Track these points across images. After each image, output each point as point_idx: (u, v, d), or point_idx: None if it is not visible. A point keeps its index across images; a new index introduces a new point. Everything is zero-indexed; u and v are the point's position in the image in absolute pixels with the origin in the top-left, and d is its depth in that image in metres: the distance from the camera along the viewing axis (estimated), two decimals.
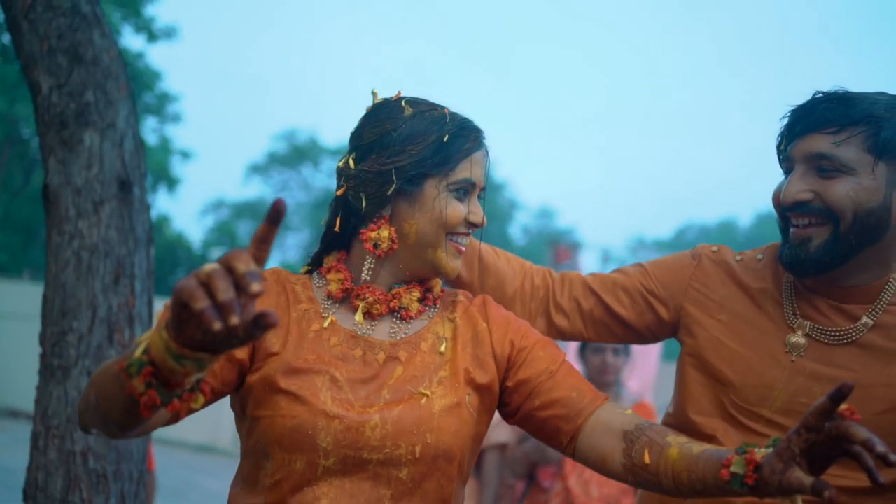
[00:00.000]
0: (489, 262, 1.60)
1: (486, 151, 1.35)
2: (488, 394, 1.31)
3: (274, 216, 0.87)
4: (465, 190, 1.31)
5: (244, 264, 0.83)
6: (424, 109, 1.32)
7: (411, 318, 1.32)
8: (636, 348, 3.38)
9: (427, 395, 1.25)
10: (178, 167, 15.10)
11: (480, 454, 3.26)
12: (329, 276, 1.33)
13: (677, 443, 1.19)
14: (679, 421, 1.51)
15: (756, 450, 1.07)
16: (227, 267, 0.84)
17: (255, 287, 0.82)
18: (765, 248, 1.56)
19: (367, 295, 1.31)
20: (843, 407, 0.99)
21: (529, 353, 1.32)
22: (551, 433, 1.30)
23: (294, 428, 1.19)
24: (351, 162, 1.32)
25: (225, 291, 0.82)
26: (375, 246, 1.29)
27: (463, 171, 1.30)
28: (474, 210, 1.32)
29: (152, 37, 12.10)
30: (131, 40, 12.64)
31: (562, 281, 1.62)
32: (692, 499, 1.38)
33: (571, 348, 4.60)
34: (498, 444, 3.24)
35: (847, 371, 1.38)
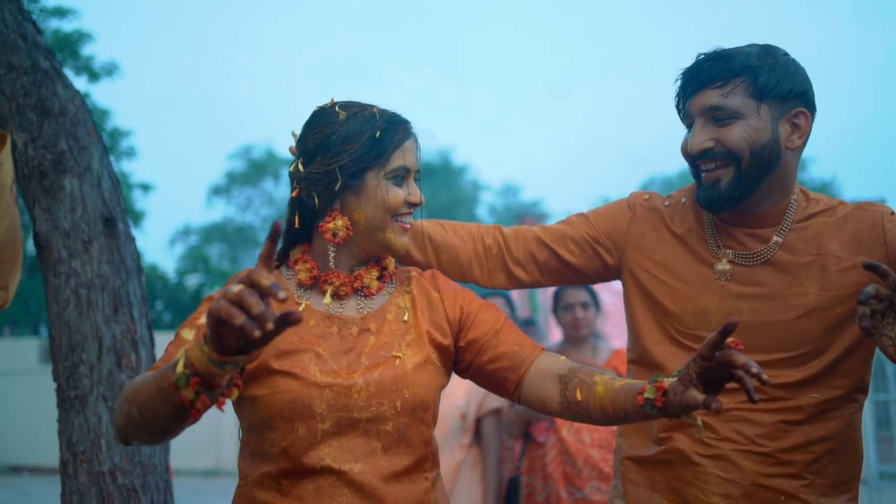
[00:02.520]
0: (438, 240, 1.78)
1: (415, 138, 1.52)
2: (447, 353, 1.51)
3: (274, 235, 1.05)
4: (401, 176, 1.48)
5: (266, 279, 1.01)
6: (356, 111, 1.48)
7: (373, 294, 1.51)
8: (618, 304, 3.60)
9: (400, 357, 1.44)
10: (140, 201, 15.08)
11: (478, 422, 3.41)
12: (297, 267, 1.51)
13: (602, 380, 1.38)
14: (636, 353, 1.73)
15: (665, 379, 1.27)
16: (251, 283, 1.01)
17: (282, 294, 0.99)
18: (687, 189, 1.77)
19: (333, 279, 1.49)
20: (729, 339, 1.19)
21: (476, 316, 1.52)
22: (499, 383, 1.50)
23: (292, 400, 1.37)
24: (300, 166, 1.48)
25: (258, 305, 0.99)
26: (334, 235, 1.47)
27: (397, 160, 1.47)
28: (412, 192, 1.50)
29: (94, 76, 12.07)
30: (74, 82, 12.59)
31: (515, 237, 1.80)
32: (617, 425, 1.63)
33: (549, 314, 4.80)
34: (493, 410, 3.40)
35: (765, 287, 1.60)
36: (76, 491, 2.20)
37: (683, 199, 1.75)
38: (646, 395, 1.28)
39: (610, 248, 1.77)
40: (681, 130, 1.68)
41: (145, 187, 14.77)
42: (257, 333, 1.01)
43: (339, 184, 1.46)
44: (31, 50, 2.32)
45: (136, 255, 2.42)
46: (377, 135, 1.47)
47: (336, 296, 1.49)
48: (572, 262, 1.77)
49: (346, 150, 1.45)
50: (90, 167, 2.34)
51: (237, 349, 1.06)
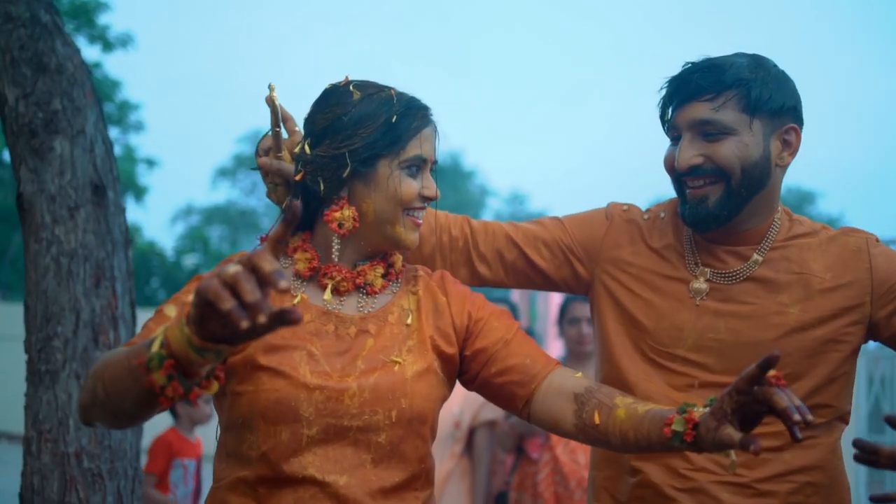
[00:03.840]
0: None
1: (435, 127, 1.41)
2: (451, 362, 1.40)
3: (291, 218, 0.93)
4: (416, 166, 1.37)
5: (269, 263, 0.89)
6: (372, 92, 1.37)
7: (376, 292, 1.39)
8: None
9: (399, 363, 1.33)
10: (144, 176, 14.96)
11: (471, 433, 3.33)
12: (296, 256, 1.40)
13: (624, 404, 1.28)
14: (606, 371, 1.63)
15: (695, 409, 1.18)
16: (251, 267, 0.89)
17: (283, 284, 0.87)
18: (666, 204, 1.69)
19: (334, 274, 1.37)
20: (771, 374, 1.10)
21: (486, 324, 1.41)
22: (507, 398, 1.39)
23: (277, 400, 1.26)
24: (306, 148, 1.37)
25: (252, 293, 0.88)
26: (340, 226, 1.35)
27: (413, 149, 1.36)
28: (427, 185, 1.39)
29: (108, 46, 11.97)
30: (87, 51, 12.47)
31: (483, 231, 1.70)
32: (637, 454, 1.53)
33: (556, 353, 4.68)
34: (487, 422, 3.31)
35: (745, 304, 1.53)
36: (38, 471, 2.07)
37: (662, 214, 1.67)
38: (674, 426, 1.19)
39: (583, 258, 1.68)
40: None
41: (150, 162, 14.67)
42: (245, 325, 0.88)
43: (347, 170, 1.34)
44: (31, 1, 2.20)
45: (125, 227, 2.29)
46: (393, 119, 1.35)
47: (336, 291, 1.38)
48: (541, 267, 1.68)
49: (359, 133, 1.35)
50: (83, 130, 2.22)
51: (221, 337, 0.94)
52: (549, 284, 1.72)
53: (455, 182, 29.49)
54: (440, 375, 1.38)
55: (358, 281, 1.38)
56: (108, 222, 2.22)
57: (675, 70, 1.55)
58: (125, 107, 13.53)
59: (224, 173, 29.86)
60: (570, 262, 1.68)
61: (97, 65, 12.44)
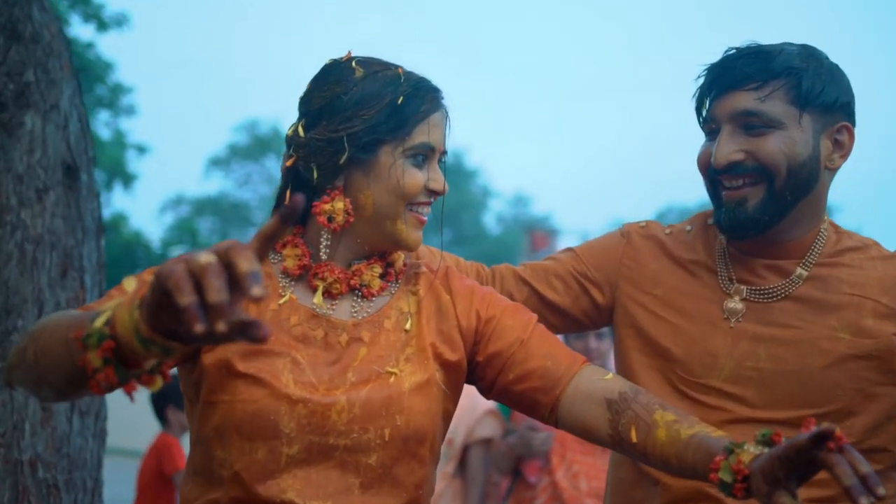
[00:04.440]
0: None
1: (446, 112, 1.28)
2: (456, 371, 1.25)
3: (289, 212, 0.78)
4: (423, 156, 1.24)
5: (247, 262, 0.75)
6: (377, 70, 1.24)
7: (373, 295, 1.25)
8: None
9: (395, 374, 1.19)
10: (133, 162, 14.71)
11: (465, 450, 3.17)
12: (285, 252, 1.25)
13: (665, 422, 1.15)
14: None
15: (743, 450, 1.04)
16: (226, 262, 0.75)
17: (257, 291, 0.73)
18: (691, 219, 1.55)
19: (325, 274, 1.23)
20: (831, 442, 0.97)
21: (498, 323, 1.26)
22: (530, 406, 1.25)
23: (255, 413, 1.13)
24: (300, 130, 1.24)
25: (218, 292, 0.74)
26: (330, 219, 1.21)
27: (420, 135, 1.22)
28: (434, 177, 1.25)
29: (102, 25, 11.74)
30: (80, 29, 12.22)
31: (492, 276, 1.55)
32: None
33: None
34: (483, 439, 3.15)
35: (788, 328, 1.37)
36: None
37: (689, 228, 1.51)
38: (721, 475, 1.05)
39: (600, 282, 1.51)
40: (693, 163, 1.44)
41: (141, 149, 14.42)
42: (200, 328, 0.73)
43: (344, 156, 1.20)
44: None
45: (98, 214, 2.12)
46: (399, 101, 1.21)
47: (328, 294, 1.22)
48: (555, 301, 1.51)
49: (359, 115, 1.21)
50: (58, 105, 2.03)
51: (173, 333, 0.80)
52: (567, 322, 1.54)
53: (457, 182, 29.39)
54: (442, 388, 1.22)
55: (352, 282, 1.24)
56: (80, 207, 2.04)
57: (693, 66, 1.42)
58: (117, 89, 13.28)
59: (217, 163, 29.59)
60: (585, 290, 1.51)
61: (90, 45, 12.19)
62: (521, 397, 1.24)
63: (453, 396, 1.26)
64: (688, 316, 1.42)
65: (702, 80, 1.41)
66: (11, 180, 1.96)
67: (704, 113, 1.42)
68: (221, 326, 0.73)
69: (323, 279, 1.22)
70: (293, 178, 1.26)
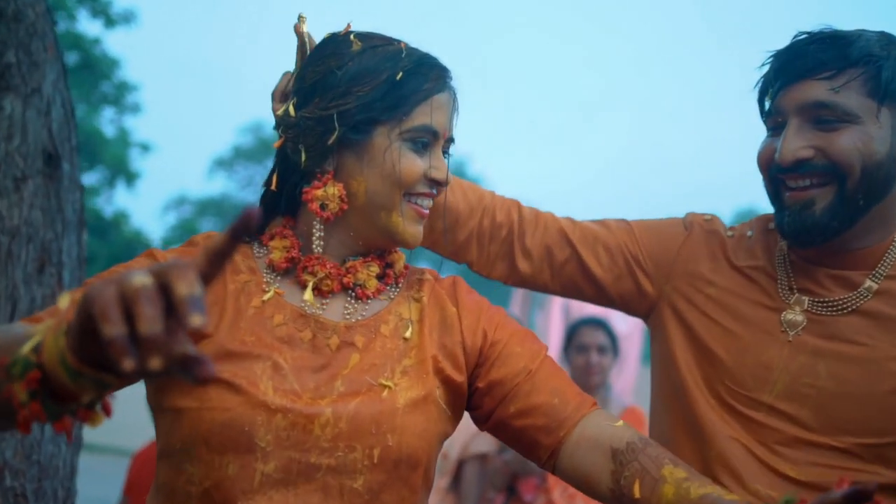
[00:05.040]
0: (437, 200, 1.37)
1: (454, 95, 1.15)
2: (457, 392, 1.12)
3: (241, 228, 0.66)
4: (423, 141, 1.12)
5: (187, 285, 0.63)
6: (377, 44, 1.13)
7: (368, 297, 1.12)
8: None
9: (390, 387, 1.07)
10: (137, 161, 14.61)
11: (459, 465, 3.06)
12: (272, 244, 1.13)
13: (674, 479, 1.03)
14: (680, 412, 1.33)
15: None
16: (163, 284, 0.64)
17: (197, 320, 0.62)
18: (751, 222, 1.42)
19: (316, 268, 1.10)
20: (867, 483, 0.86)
21: (504, 348, 1.14)
22: (529, 445, 1.13)
23: (226, 423, 1.00)
24: (291, 109, 1.13)
25: (150, 322, 0.62)
26: (323, 207, 1.09)
27: (420, 117, 1.10)
28: (437, 164, 1.12)
29: (110, 22, 11.67)
30: (88, 26, 12.14)
31: (535, 221, 1.41)
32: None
33: (553, 346, 4.37)
34: (478, 455, 3.04)
35: (854, 345, 1.24)
36: None
37: (749, 232, 1.38)
38: None
39: (651, 272, 1.38)
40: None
41: (145, 147, 14.31)
42: (129, 364, 0.61)
43: (334, 136, 1.08)
44: None
45: (80, 206, 1.99)
46: (398, 77, 1.08)
47: (317, 291, 1.10)
48: (597, 275, 1.38)
49: (353, 91, 1.10)
50: (40, 89, 1.91)
51: (104, 364, 0.67)
52: (601, 297, 1.42)
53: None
54: (442, 407, 1.09)
55: (346, 280, 1.12)
56: (61, 198, 1.91)
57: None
58: (123, 87, 13.19)
59: (221, 164, 29.50)
60: (633, 273, 1.38)
61: (97, 41, 12.11)
62: (520, 434, 1.12)
63: (453, 418, 1.13)
64: (742, 321, 1.30)
65: (766, 68, 1.28)
66: None
67: (768, 105, 1.28)
68: (155, 363, 0.61)
69: (313, 273, 1.10)
70: (281, 162, 1.15)
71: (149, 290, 0.63)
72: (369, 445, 1.03)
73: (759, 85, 1.29)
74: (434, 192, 1.14)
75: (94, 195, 12.67)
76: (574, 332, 3.07)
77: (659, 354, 1.38)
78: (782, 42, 1.27)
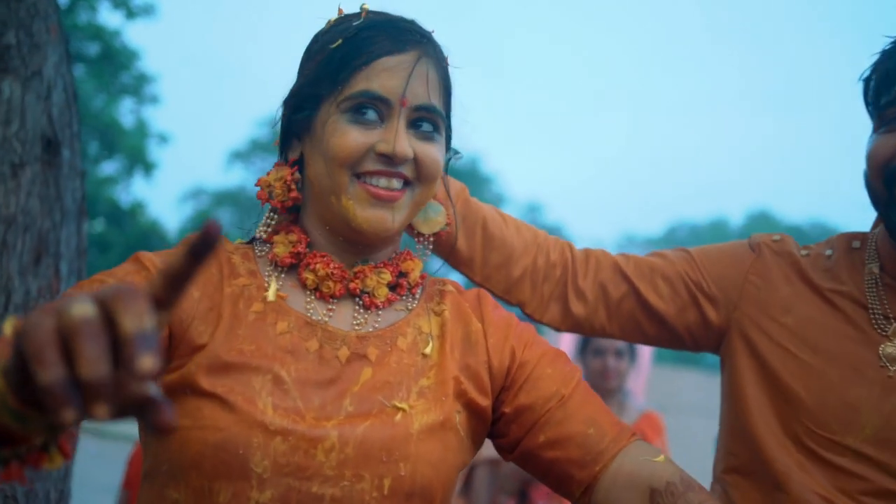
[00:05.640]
0: (495, 232, 1.29)
1: (425, 56, 1.01)
2: (480, 417, 1.01)
3: (202, 245, 0.55)
4: (367, 110, 0.98)
5: (135, 317, 0.52)
6: (346, 18, 1.05)
7: (378, 307, 1.01)
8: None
9: (404, 409, 0.96)
10: (155, 151, 14.61)
11: (470, 470, 2.96)
12: (276, 238, 1.03)
13: None
14: (741, 454, 1.20)
15: None
16: (108, 317, 0.53)
17: (146, 363, 0.51)
18: (829, 241, 1.30)
19: (317, 266, 1.00)
20: None
21: (534, 370, 1.02)
22: (560, 479, 1.02)
23: (219, 445, 0.90)
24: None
25: (92, 364, 0.51)
26: (271, 195, 1.02)
27: (359, 83, 0.98)
28: (386, 137, 0.98)
29: (130, 14, 11.65)
30: (109, 17, 12.13)
31: (585, 259, 1.31)
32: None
33: (565, 349, 4.26)
34: (489, 459, 2.93)
35: None
36: None
37: (829, 252, 1.25)
38: None
39: (716, 298, 1.26)
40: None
41: (163, 138, 14.30)
42: (68, 416, 0.51)
43: (279, 121, 1.04)
44: None
45: (81, 195, 1.90)
46: (336, 44, 0.98)
47: (320, 293, 0.99)
48: (657, 308, 1.27)
49: (303, 72, 1.04)
50: (40, 72, 1.83)
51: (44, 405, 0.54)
52: (665, 334, 1.30)
53: (472, 187, 29.26)
54: (461, 434, 0.99)
55: (352, 286, 1.00)
56: (60, 186, 1.83)
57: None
58: (142, 78, 13.18)
59: (239, 156, 29.52)
60: (697, 302, 1.26)
61: (117, 32, 12.10)
62: (550, 466, 1.01)
63: (472, 447, 1.03)
64: (825, 355, 1.18)
65: (882, 63, 1.16)
66: None
67: (890, 96, 1.15)
68: (101, 411, 0.51)
69: (314, 271, 1.00)
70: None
71: (91, 323, 0.52)
72: (379, 475, 0.92)
73: (875, 75, 1.17)
74: (392, 170, 0.99)
75: (111, 184, 12.67)
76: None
77: (727, 390, 1.27)
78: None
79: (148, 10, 12.05)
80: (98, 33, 11.75)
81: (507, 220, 1.33)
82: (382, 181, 0.98)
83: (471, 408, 1.01)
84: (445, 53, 1.05)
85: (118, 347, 0.52)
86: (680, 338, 1.30)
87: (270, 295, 0.99)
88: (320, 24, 1.06)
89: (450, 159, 1.11)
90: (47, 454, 0.62)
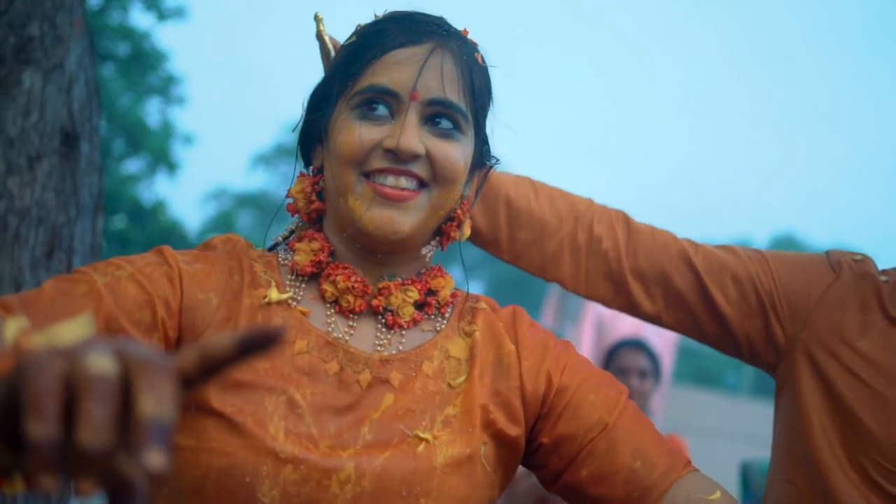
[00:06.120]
0: (521, 207, 1.21)
1: (442, 49, 0.93)
2: (511, 449, 0.94)
3: (257, 344, 0.48)
4: (376, 105, 0.92)
5: (156, 400, 0.45)
6: (374, 20, 1.00)
7: (402, 327, 0.94)
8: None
9: (428, 440, 0.89)
10: (179, 151, 14.69)
11: None
12: (299, 246, 0.97)
13: None
14: (807, 484, 1.13)
15: None
16: (126, 382, 0.46)
17: (155, 461, 0.43)
18: None
19: (338, 278, 0.93)
20: None
21: (574, 396, 0.95)
22: None
23: (225, 470, 0.84)
24: None
25: (96, 432, 0.44)
26: (297, 205, 0.99)
27: (368, 78, 0.92)
28: (393, 132, 0.91)
29: (162, 16, 11.75)
30: (140, 18, 12.23)
31: (650, 237, 1.22)
32: None
33: (586, 343, 4.16)
34: None
35: None
36: None
37: None
38: None
39: (784, 314, 1.18)
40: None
41: (188, 139, 14.38)
42: (48, 483, 0.44)
43: (299, 124, 0.99)
44: None
45: (98, 190, 1.88)
46: (351, 41, 0.95)
47: (340, 307, 0.93)
48: (721, 309, 1.19)
49: (328, 72, 1.01)
50: (62, 65, 1.81)
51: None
52: (723, 338, 1.22)
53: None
54: (487, 469, 0.91)
55: (375, 303, 0.94)
56: (76, 180, 1.80)
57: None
58: (169, 80, 13.27)
59: (262, 160, 29.67)
60: (765, 313, 1.18)
61: (145, 35, 12.19)
62: (594, 502, 0.94)
63: (500, 481, 0.95)
64: None
65: None
66: (1, 144, 1.74)
67: None
68: (86, 486, 0.44)
69: (334, 283, 0.93)
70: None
71: (107, 383, 0.45)
72: None
73: None
74: (399, 167, 0.92)
75: (134, 182, 12.75)
76: (614, 354, 2.90)
77: (786, 414, 1.19)
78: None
79: (179, 13, 12.15)
80: (128, 34, 11.85)
81: (538, 192, 1.23)
82: (390, 179, 0.91)
83: (499, 438, 0.94)
84: (478, 51, 0.99)
85: (126, 419, 0.45)
86: (737, 345, 1.22)
87: (272, 296, 0.93)
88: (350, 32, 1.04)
89: (490, 166, 1.04)
90: (8, 479, 0.54)
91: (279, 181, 29.79)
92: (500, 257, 1.25)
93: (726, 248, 1.25)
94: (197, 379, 0.49)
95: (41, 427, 0.44)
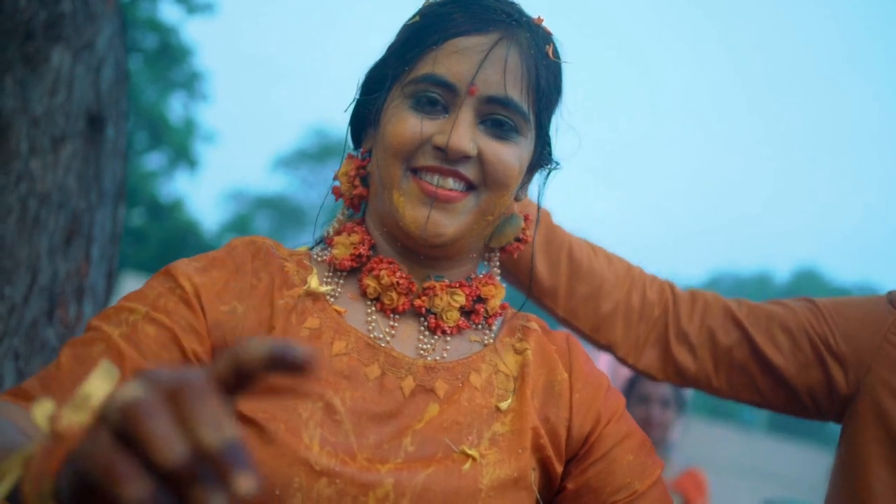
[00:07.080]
0: (582, 261, 1.16)
1: (509, 40, 0.85)
2: (550, 481, 0.87)
3: (289, 363, 0.45)
4: (429, 97, 0.86)
5: (212, 427, 0.41)
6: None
7: (446, 332, 0.87)
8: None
9: (475, 458, 0.82)
10: (200, 149, 14.69)
11: None
12: (338, 239, 0.90)
13: None
14: None
15: None
16: (175, 405, 0.42)
17: (244, 483, 0.40)
18: None
19: (382, 272, 0.86)
20: None
21: (613, 450, 0.88)
22: None
23: None
24: None
25: (168, 446, 0.41)
26: (342, 192, 0.93)
27: (425, 65, 0.86)
28: (444, 128, 0.85)
29: (191, 10, 11.77)
30: (170, 11, 12.26)
31: (691, 301, 1.17)
32: None
33: (603, 368, 4.07)
34: None
35: None
36: None
37: None
38: None
39: (846, 358, 1.09)
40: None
41: (209, 137, 14.39)
42: None
43: (350, 104, 0.93)
44: None
45: (121, 178, 1.80)
46: (413, 21, 0.88)
47: (381, 304, 0.86)
48: (774, 362, 1.11)
49: (386, 52, 0.93)
50: (93, 45, 1.74)
51: None
52: (783, 395, 1.15)
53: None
54: (535, 496, 0.84)
55: (418, 302, 0.87)
56: (100, 166, 1.73)
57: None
58: (194, 75, 13.29)
59: (284, 163, 29.68)
60: (822, 361, 1.11)
61: (174, 29, 12.22)
62: None
63: None
64: None
65: None
66: (25, 122, 1.67)
67: None
68: (216, 497, 0.41)
69: (377, 278, 0.87)
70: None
71: (146, 401, 0.42)
72: None
73: None
74: (452, 167, 0.85)
75: (154, 178, 12.75)
76: (636, 381, 2.79)
77: (844, 461, 1.11)
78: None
79: (208, 8, 12.17)
80: (156, 27, 11.87)
81: (596, 250, 1.21)
82: (436, 178, 0.86)
83: (545, 467, 0.87)
84: (550, 43, 0.90)
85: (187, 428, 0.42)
86: (800, 400, 1.14)
87: (312, 284, 0.86)
88: (379, 34, 0.96)
89: (548, 171, 0.97)
90: None
91: (299, 185, 29.80)
92: (554, 312, 1.21)
93: (772, 302, 1.20)
94: (234, 389, 0.45)
95: (130, 487, 0.40)
